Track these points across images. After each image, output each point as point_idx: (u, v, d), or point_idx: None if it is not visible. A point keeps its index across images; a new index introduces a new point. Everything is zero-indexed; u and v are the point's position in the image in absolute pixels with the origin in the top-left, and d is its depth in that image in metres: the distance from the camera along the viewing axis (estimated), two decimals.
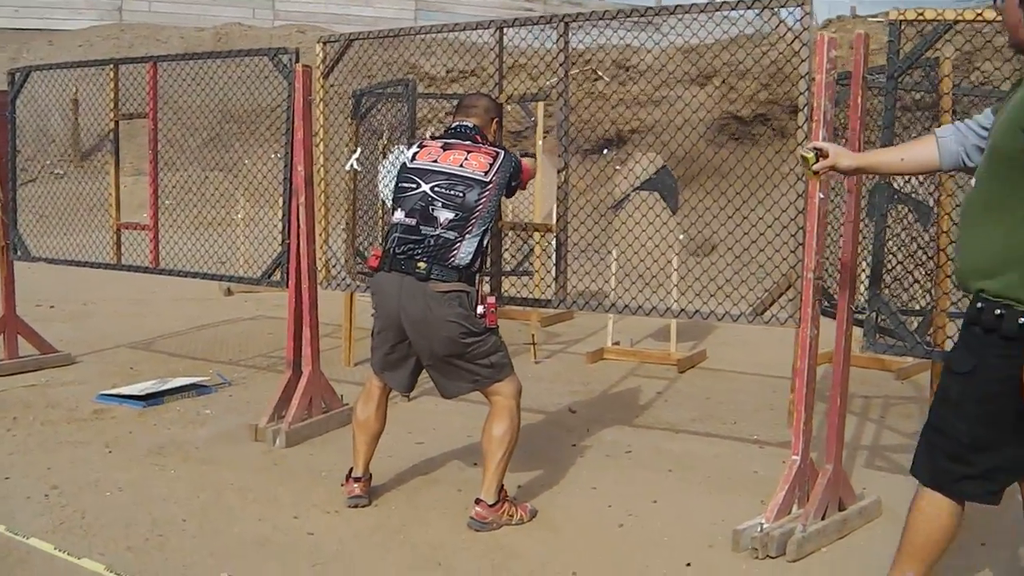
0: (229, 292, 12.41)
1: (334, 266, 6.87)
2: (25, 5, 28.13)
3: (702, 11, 5.42)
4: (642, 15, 5.63)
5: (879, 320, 5.09)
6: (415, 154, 5.16)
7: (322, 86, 6.67)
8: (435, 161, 5.06)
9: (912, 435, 6.70)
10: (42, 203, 8.99)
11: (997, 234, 3.33)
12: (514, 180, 5.11)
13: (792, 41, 5.31)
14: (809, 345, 4.89)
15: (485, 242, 4.98)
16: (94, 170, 17.26)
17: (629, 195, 8.33)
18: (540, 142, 8.83)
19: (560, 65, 5.81)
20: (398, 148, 8.42)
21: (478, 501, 4.96)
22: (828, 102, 4.78)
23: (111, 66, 7.96)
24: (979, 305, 3.38)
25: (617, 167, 8.93)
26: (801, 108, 5.01)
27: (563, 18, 5.79)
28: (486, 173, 4.98)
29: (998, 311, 3.31)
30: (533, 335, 8.89)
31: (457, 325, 4.86)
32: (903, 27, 4.97)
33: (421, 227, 4.90)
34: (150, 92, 7.59)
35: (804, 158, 4.08)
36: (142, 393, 7.24)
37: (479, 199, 4.92)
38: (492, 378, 5.05)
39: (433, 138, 5.31)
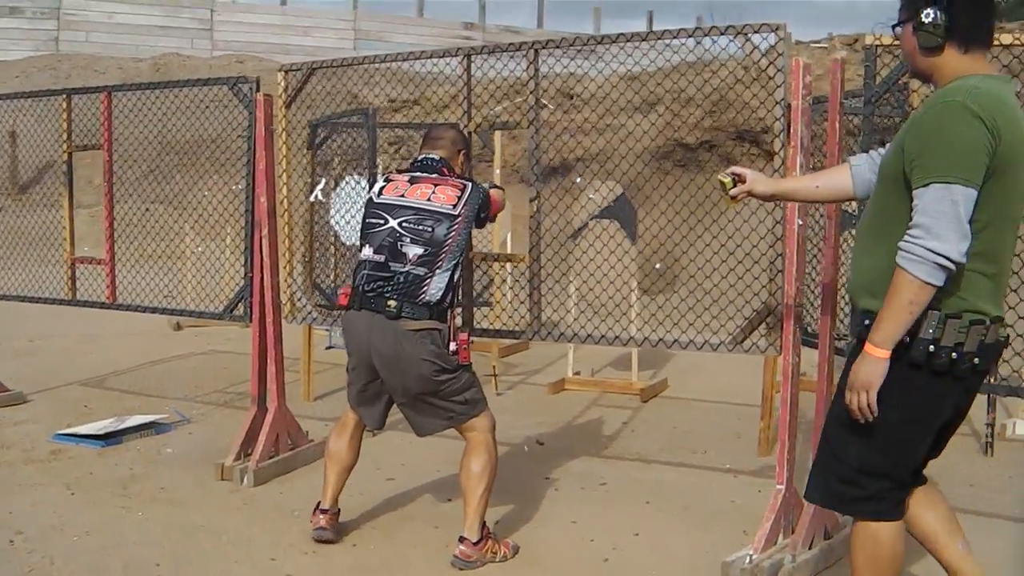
0: (178, 327, 12.23)
1: (299, 299, 6.74)
2: None
3: (675, 37, 5.35)
4: (614, 41, 5.55)
5: None
6: (381, 188, 5.04)
7: (284, 116, 6.56)
8: (402, 196, 4.94)
9: None
10: None
11: (881, 253, 3.38)
12: (483, 212, 5.01)
13: (764, 69, 5.25)
14: (791, 373, 4.86)
15: (456, 277, 4.88)
16: (33, 203, 16.98)
17: (588, 223, 8.27)
18: (498, 171, 8.78)
19: (531, 93, 5.76)
20: (351, 178, 8.36)
21: (462, 539, 4.85)
22: (805, 127, 4.76)
23: (62, 96, 7.79)
24: (866, 322, 3.41)
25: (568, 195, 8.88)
26: (777, 134, 4.96)
27: (532, 45, 5.74)
28: (454, 206, 4.87)
29: (868, 322, 3.39)
30: (494, 366, 8.80)
31: (430, 363, 4.76)
32: (879, 52, 4.96)
33: (390, 264, 4.80)
34: (104, 123, 7.43)
35: (722, 183, 4.10)
36: (100, 432, 7.06)
37: (448, 233, 4.81)
38: (467, 414, 4.94)
39: (399, 171, 5.19)
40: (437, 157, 5.10)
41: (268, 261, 6.40)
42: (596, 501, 5.91)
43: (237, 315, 6.79)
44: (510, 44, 5.92)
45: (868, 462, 3.47)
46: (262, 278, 6.41)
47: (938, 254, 3.14)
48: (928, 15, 3.34)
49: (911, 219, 3.24)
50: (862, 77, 5.29)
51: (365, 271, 4.88)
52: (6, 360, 9.92)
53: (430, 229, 4.80)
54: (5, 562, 4.90)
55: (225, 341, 11.21)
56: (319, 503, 5.22)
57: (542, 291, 5.90)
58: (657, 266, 7.92)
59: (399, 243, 4.81)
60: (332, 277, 8.90)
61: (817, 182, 4.05)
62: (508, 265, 9.24)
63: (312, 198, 7.40)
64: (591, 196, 8.36)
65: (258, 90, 6.56)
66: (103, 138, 7.45)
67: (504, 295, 9.15)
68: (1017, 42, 4.69)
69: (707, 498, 5.95)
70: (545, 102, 17.34)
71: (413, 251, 4.78)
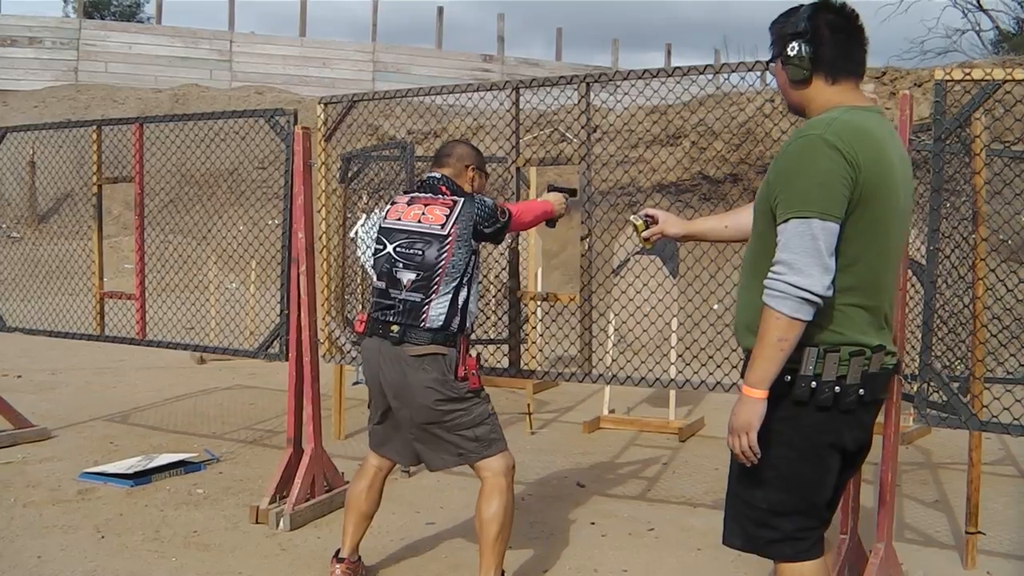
0: (202, 360, 12.11)
1: (337, 338, 6.55)
2: None
3: (717, 72, 5.22)
4: (669, 75, 5.38)
5: (930, 392, 4.85)
6: (386, 212, 4.88)
7: (324, 149, 6.40)
8: (399, 219, 4.76)
9: (933, 503, 6.51)
10: None
11: (757, 289, 3.29)
12: (486, 226, 4.70)
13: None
14: None
15: (461, 300, 4.62)
16: (52, 234, 16.96)
17: (627, 260, 8.10)
18: None
19: (583, 128, 5.59)
20: (377, 212, 8.21)
21: None
22: None
23: (81, 127, 7.65)
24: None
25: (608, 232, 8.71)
26: None
27: (584, 78, 5.58)
28: (443, 226, 4.63)
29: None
30: (529, 404, 8.62)
31: (433, 391, 4.56)
32: (949, 87, 4.78)
33: (390, 291, 4.65)
34: (136, 155, 7.27)
35: (634, 226, 4.22)
36: (129, 472, 6.89)
37: (440, 255, 4.58)
38: (479, 453, 4.67)
39: (405, 193, 5.01)
40: (439, 175, 4.90)
41: (306, 299, 6.23)
42: (646, 548, 5.71)
43: (272, 353, 6.60)
44: (561, 77, 5.78)
45: (777, 502, 3.38)
46: (299, 316, 6.24)
47: (801, 289, 3.10)
48: (794, 48, 3.38)
49: None
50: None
51: (374, 298, 4.76)
52: (28, 394, 9.80)
53: (420, 252, 4.61)
54: None
55: (250, 376, 11.06)
56: (338, 550, 5.02)
57: (585, 330, 5.71)
58: (715, 306, 7.72)
59: (394, 269, 4.66)
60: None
61: (726, 222, 4.11)
62: (539, 302, 9.07)
63: (352, 234, 7.23)
64: (630, 234, 8.19)
65: (296, 123, 6.42)
66: (134, 170, 7.28)
67: (537, 332, 8.97)
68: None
69: None
70: (570, 135, 17.24)
71: (407, 277, 4.61)
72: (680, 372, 7.64)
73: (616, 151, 16.61)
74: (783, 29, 3.43)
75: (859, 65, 3.43)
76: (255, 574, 5.23)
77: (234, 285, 11.72)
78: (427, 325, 4.55)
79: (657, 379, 5.58)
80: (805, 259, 3.11)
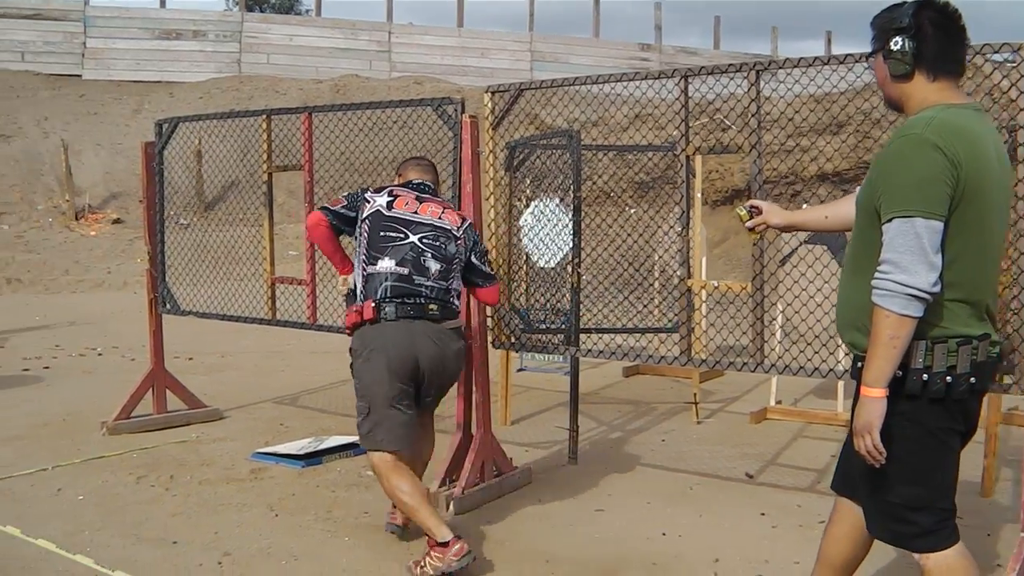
0: None
1: (506, 325, 6.60)
2: (146, 58, 28.71)
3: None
4: (841, 62, 5.29)
5: None
6: (390, 203, 5.28)
7: (491, 137, 6.45)
8: (415, 212, 5.27)
9: None
10: (171, 254, 8.83)
11: (860, 287, 3.41)
12: (479, 257, 5.49)
13: (1006, 90, 4.93)
14: None
15: (461, 288, 5.40)
16: (219, 221, 17.36)
17: (796, 249, 8.00)
18: (699, 194, 8.53)
19: (752, 116, 5.53)
20: (543, 200, 8.23)
21: None
22: None
23: (245, 117, 7.83)
24: (859, 364, 3.46)
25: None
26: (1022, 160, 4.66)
27: (754, 66, 5.53)
28: (458, 228, 5.35)
29: (860, 364, 3.43)
30: (695, 394, 8.56)
31: (460, 356, 5.37)
32: None
33: (414, 277, 5.11)
34: (305, 144, 7.41)
35: (739, 216, 4.35)
36: (300, 452, 7.06)
37: (456, 251, 5.30)
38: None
39: (401, 187, 5.47)
40: (431, 183, 5.57)
41: None
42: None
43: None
44: (729, 65, 5.72)
45: (910, 497, 3.47)
46: (468, 303, 6.31)
47: (908, 286, 3.20)
48: (897, 43, 3.45)
49: None
50: None
51: (387, 283, 5.09)
52: (199, 375, 10.09)
53: (444, 246, 5.24)
54: None
55: None
56: (435, 541, 4.87)
57: (757, 320, 5.66)
58: None
59: (421, 258, 5.15)
60: (524, 299, 8.78)
61: (826, 212, 4.18)
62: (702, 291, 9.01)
63: (522, 221, 7.29)
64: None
65: (463, 111, 6.47)
66: (304, 159, 7.42)
67: (705, 321, 8.89)
68: None
69: None
70: (729, 123, 17.06)
71: (435, 266, 5.18)
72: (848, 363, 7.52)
73: (776, 140, 16.39)
74: (887, 24, 3.49)
75: (959, 64, 3.49)
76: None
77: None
78: (453, 307, 5.26)
79: (831, 370, 5.51)
80: (910, 257, 3.19)
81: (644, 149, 10.30)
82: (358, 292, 5.20)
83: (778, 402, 8.75)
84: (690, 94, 5.96)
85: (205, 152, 18.83)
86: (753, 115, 5.54)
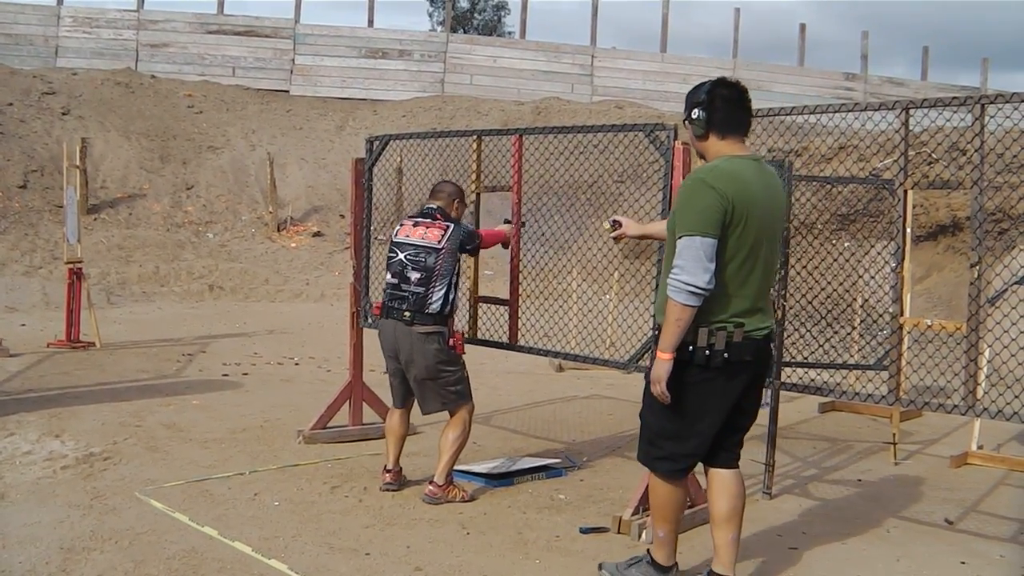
0: (560, 368, 12.31)
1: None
2: (352, 76, 29.41)
3: None
4: None
5: None
6: (396, 231, 6.81)
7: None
8: (407, 236, 6.76)
9: None
10: (372, 269, 8.95)
11: (665, 284, 4.68)
12: (468, 244, 6.81)
13: None
14: None
15: (451, 293, 6.64)
16: None
17: (1007, 290, 7.72)
18: (908, 229, 8.27)
19: (976, 151, 5.35)
20: None
21: (431, 482, 6.61)
22: None
23: (474, 137, 7.86)
24: (656, 335, 4.93)
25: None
26: None
27: (979, 99, 5.35)
28: (439, 242, 6.66)
29: (657, 334, 4.88)
30: (895, 434, 8.31)
31: (434, 355, 6.57)
32: None
33: (401, 285, 6.67)
34: (515, 165, 7.42)
35: (605, 228, 5.74)
36: (492, 472, 7.09)
37: (436, 262, 6.62)
38: (455, 402, 6.74)
39: (409, 218, 6.89)
40: (435, 206, 6.89)
41: None
42: None
43: (643, 366, 6.61)
44: (953, 98, 5.55)
45: (663, 428, 4.85)
46: None
47: (690, 284, 4.49)
48: (695, 113, 4.78)
49: None
50: None
51: (388, 291, 6.76)
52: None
53: (423, 260, 6.64)
54: None
55: (608, 386, 11.18)
56: (384, 465, 6.94)
57: (971, 361, 5.46)
58: None
59: (405, 270, 6.67)
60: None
61: (660, 227, 5.52)
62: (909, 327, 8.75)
63: None
64: (1016, 258, 7.82)
65: (676, 138, 6.42)
66: (512, 180, 7.44)
67: (907, 360, 8.64)
68: None
69: None
70: (937, 156, 16.61)
71: (414, 276, 6.63)
72: None
73: (984, 176, 15.88)
74: (690, 98, 4.82)
75: (743, 126, 4.80)
76: None
77: (595, 296, 11.83)
78: (429, 310, 6.57)
79: None
80: (692, 264, 4.50)
81: (859, 182, 10.12)
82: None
83: (980, 447, 8.43)
84: (892, 127, 5.83)
85: (406, 169, 19.11)
86: (976, 150, 5.36)
